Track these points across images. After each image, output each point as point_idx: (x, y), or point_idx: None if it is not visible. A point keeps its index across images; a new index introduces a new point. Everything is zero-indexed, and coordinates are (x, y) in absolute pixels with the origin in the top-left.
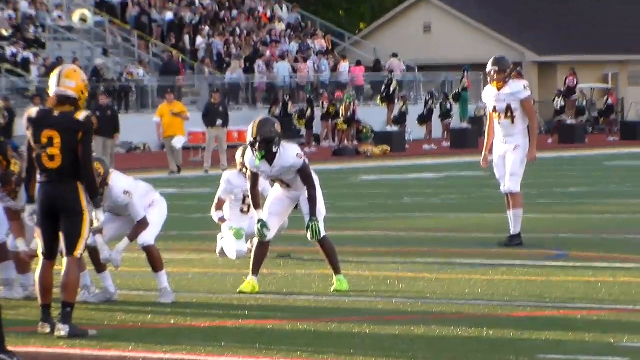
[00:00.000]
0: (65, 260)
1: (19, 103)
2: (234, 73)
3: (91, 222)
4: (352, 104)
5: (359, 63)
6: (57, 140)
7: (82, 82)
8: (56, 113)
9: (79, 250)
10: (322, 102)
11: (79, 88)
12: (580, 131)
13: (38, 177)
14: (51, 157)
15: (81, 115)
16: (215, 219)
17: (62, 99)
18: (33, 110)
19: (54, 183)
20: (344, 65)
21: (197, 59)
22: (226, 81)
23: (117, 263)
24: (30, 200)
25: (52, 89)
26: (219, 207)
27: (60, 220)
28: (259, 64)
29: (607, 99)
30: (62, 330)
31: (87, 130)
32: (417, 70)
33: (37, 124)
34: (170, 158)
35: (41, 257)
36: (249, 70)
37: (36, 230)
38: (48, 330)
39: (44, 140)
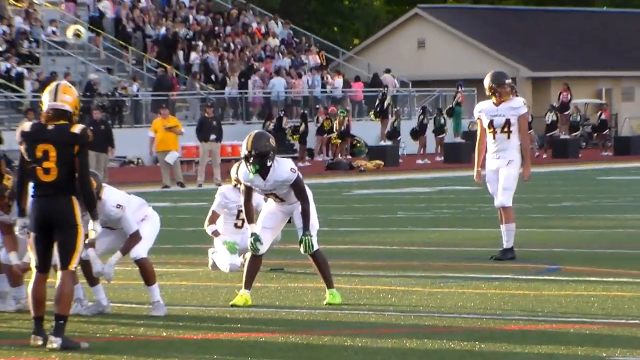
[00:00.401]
0: (59, 273)
1: (13, 118)
2: (233, 88)
3: (86, 236)
4: (345, 118)
5: (357, 79)
6: (52, 154)
7: (76, 97)
8: (50, 127)
9: (74, 264)
10: (318, 117)
11: (74, 103)
12: (574, 146)
13: (32, 190)
14: (46, 171)
15: (77, 128)
16: (209, 232)
17: (59, 113)
18: (26, 125)
19: (49, 197)
20: (337, 81)
21: (190, 74)
22: (225, 96)
23: (109, 276)
24: (22, 214)
25: (48, 104)
26: (213, 220)
27: (53, 234)
28: (255, 79)
29: (601, 114)
30: (55, 342)
31: (83, 143)
32: (410, 86)
33: (30, 138)
34: (165, 172)
35: (34, 270)
36: (243, 85)
37: (29, 243)
38: (40, 342)
39: (39, 154)
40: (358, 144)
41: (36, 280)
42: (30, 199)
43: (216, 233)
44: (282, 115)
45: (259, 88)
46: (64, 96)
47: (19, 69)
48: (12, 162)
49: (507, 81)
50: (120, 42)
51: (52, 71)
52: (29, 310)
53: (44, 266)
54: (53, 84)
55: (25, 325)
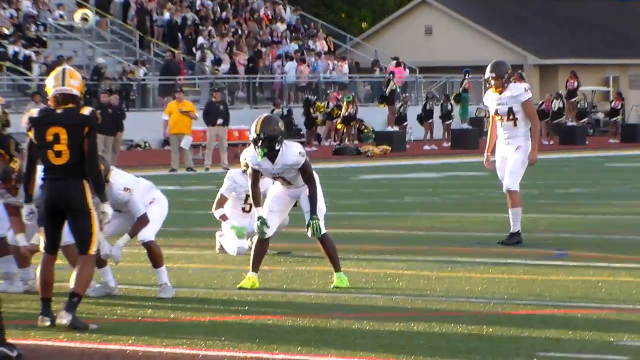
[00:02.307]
0: (79, 257)
1: (20, 101)
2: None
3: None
4: (351, 104)
5: (398, 63)
6: (63, 137)
7: (82, 81)
8: (59, 111)
9: (94, 248)
10: (328, 102)
11: (80, 87)
12: (581, 133)
13: (42, 174)
14: (58, 154)
15: (86, 110)
16: (217, 216)
17: (68, 97)
18: (34, 111)
19: (60, 180)
20: (344, 67)
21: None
22: (226, 80)
23: (117, 258)
24: (28, 200)
25: (56, 89)
26: (221, 204)
27: (65, 217)
28: (279, 63)
29: (612, 102)
30: (65, 318)
31: (92, 125)
32: (418, 72)
33: (40, 122)
34: (174, 156)
35: (43, 252)
36: (250, 70)
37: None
38: (48, 323)
39: (49, 137)
40: (365, 130)
41: (45, 262)
42: (39, 183)
43: (224, 217)
44: (314, 99)
45: (277, 73)
46: (71, 80)
47: (27, 52)
48: (19, 145)
49: (507, 71)
50: (128, 25)
51: (59, 55)
52: (36, 292)
53: (52, 248)
54: (59, 69)
55: (33, 307)
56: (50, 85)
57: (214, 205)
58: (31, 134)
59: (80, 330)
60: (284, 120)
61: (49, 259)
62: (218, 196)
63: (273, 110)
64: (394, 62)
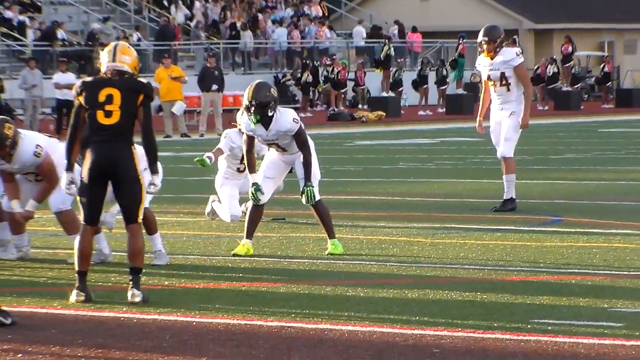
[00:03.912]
0: (129, 227)
1: (15, 66)
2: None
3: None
4: (343, 69)
5: (414, 29)
6: (116, 98)
7: (135, 58)
8: (115, 78)
9: (141, 216)
10: (333, 68)
11: (133, 64)
12: (576, 98)
13: (89, 138)
14: (108, 113)
15: (142, 80)
16: (204, 156)
17: (120, 74)
18: (88, 78)
19: (108, 142)
20: (325, 32)
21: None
22: (241, 47)
23: (110, 225)
24: (69, 167)
25: (107, 64)
26: (215, 154)
27: (114, 186)
28: (273, 28)
29: (604, 67)
30: (137, 296)
31: (148, 93)
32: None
33: (93, 85)
34: (167, 122)
35: (82, 223)
36: (235, 37)
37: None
38: (83, 298)
39: (102, 98)
40: (362, 92)
41: (85, 234)
42: (89, 147)
43: (210, 157)
44: (317, 65)
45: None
46: (122, 57)
47: (21, 17)
48: (13, 111)
49: (500, 35)
50: None
51: (53, 20)
52: (30, 258)
53: (93, 218)
54: (112, 44)
55: (26, 274)
56: (104, 60)
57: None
58: (81, 98)
59: (147, 302)
60: (280, 86)
61: (88, 230)
62: (215, 148)
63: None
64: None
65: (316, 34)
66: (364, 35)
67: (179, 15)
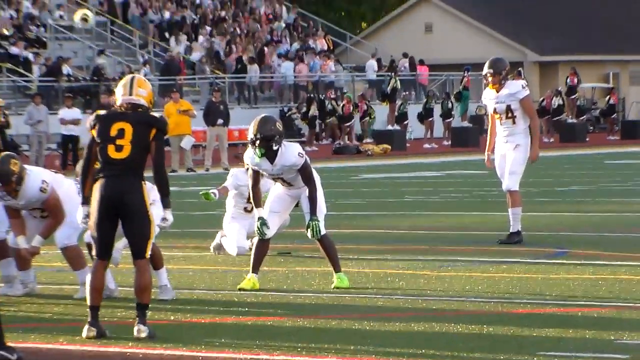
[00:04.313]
0: (136, 263)
1: (20, 102)
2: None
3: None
4: (348, 102)
5: (422, 62)
6: (128, 132)
7: (151, 91)
8: (128, 112)
9: (149, 252)
10: (344, 104)
11: (149, 97)
12: (581, 130)
13: (100, 172)
14: (119, 148)
15: (155, 114)
16: (210, 190)
17: (135, 107)
18: (101, 111)
19: (119, 177)
20: (330, 65)
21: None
22: (248, 81)
23: (116, 261)
24: (85, 201)
25: (123, 97)
26: (221, 192)
27: (122, 221)
28: (278, 62)
29: (609, 99)
30: (144, 332)
31: (160, 127)
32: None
33: (107, 119)
34: (175, 156)
35: (95, 258)
36: (241, 70)
37: (90, 229)
38: (94, 334)
39: (113, 132)
40: (370, 114)
41: (97, 268)
42: (99, 182)
43: (215, 193)
44: (322, 97)
45: (273, 71)
46: (139, 90)
47: (26, 53)
48: (19, 147)
49: (505, 68)
50: (128, 26)
51: (59, 56)
52: (36, 294)
53: (105, 253)
54: (128, 77)
55: (32, 309)
56: (119, 94)
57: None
58: (94, 132)
59: (153, 337)
60: (286, 120)
61: (100, 265)
62: (221, 186)
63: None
64: (405, 58)
65: (321, 67)
66: (376, 68)
67: (179, 47)
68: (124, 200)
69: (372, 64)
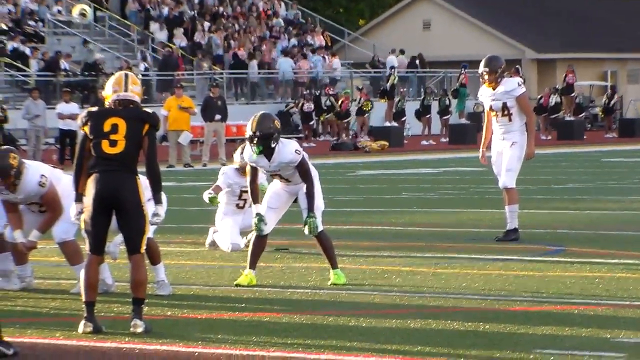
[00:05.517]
0: (131, 258)
1: (18, 97)
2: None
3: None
4: (346, 99)
5: (421, 58)
6: (122, 127)
7: (141, 87)
8: (120, 108)
9: (144, 246)
10: (360, 98)
11: (140, 93)
12: (579, 128)
13: (94, 167)
14: (113, 143)
15: (147, 110)
16: (205, 198)
17: (127, 104)
18: (93, 107)
19: (113, 172)
20: (335, 62)
21: (196, 54)
22: (252, 76)
23: (114, 255)
24: (78, 198)
25: (118, 94)
26: (214, 191)
27: (117, 216)
28: (277, 58)
29: (612, 96)
30: (140, 327)
31: (153, 123)
32: (418, 67)
33: (99, 115)
34: (172, 152)
35: (88, 253)
36: (236, 66)
37: (85, 224)
38: (90, 329)
39: (107, 128)
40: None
41: (91, 264)
42: (93, 177)
43: (211, 193)
44: (319, 94)
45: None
46: (133, 87)
47: (24, 47)
48: (16, 141)
49: (501, 65)
50: (126, 21)
51: (57, 50)
52: (32, 289)
53: (99, 248)
54: (120, 75)
55: (30, 304)
56: (111, 90)
57: (208, 190)
58: (86, 128)
59: (150, 332)
60: (285, 116)
61: (94, 260)
62: (214, 185)
63: (291, 107)
64: (393, 54)
65: (327, 64)
66: (397, 64)
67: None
68: (119, 195)
69: (393, 59)
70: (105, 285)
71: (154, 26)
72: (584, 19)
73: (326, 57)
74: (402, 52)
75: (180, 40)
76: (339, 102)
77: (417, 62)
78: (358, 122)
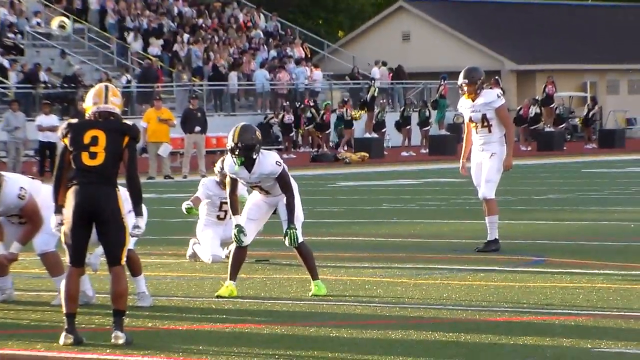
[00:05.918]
0: (111, 270)
1: None
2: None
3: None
4: (327, 110)
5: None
6: (101, 140)
7: (121, 99)
8: (100, 120)
9: (124, 258)
10: (346, 110)
11: (121, 105)
12: (559, 139)
13: (73, 179)
14: (93, 155)
15: (127, 122)
16: (183, 208)
17: (108, 116)
18: (73, 119)
19: (93, 184)
20: (316, 74)
21: (175, 66)
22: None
23: (95, 267)
24: (58, 210)
25: (98, 106)
26: (194, 203)
27: (97, 228)
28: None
29: (592, 107)
30: (121, 338)
31: (133, 135)
32: (395, 78)
33: (79, 127)
34: (152, 164)
35: (68, 265)
36: (214, 77)
37: (64, 236)
38: (71, 341)
39: (87, 140)
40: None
41: (71, 275)
42: (72, 189)
43: (189, 204)
44: (298, 106)
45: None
46: (113, 98)
47: (3, 60)
48: None
49: (480, 77)
50: (105, 33)
51: (36, 62)
52: (13, 301)
53: (79, 260)
54: (101, 87)
55: (10, 316)
56: (91, 102)
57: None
58: (66, 140)
59: (130, 344)
60: (266, 128)
61: (74, 272)
62: (193, 196)
63: (270, 117)
64: (377, 66)
65: (309, 76)
66: (378, 76)
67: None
68: (99, 207)
69: (376, 71)
70: (85, 297)
71: (129, 37)
72: (563, 30)
73: (306, 69)
74: (384, 64)
75: (158, 49)
76: (321, 113)
77: (390, 75)
78: (346, 135)
